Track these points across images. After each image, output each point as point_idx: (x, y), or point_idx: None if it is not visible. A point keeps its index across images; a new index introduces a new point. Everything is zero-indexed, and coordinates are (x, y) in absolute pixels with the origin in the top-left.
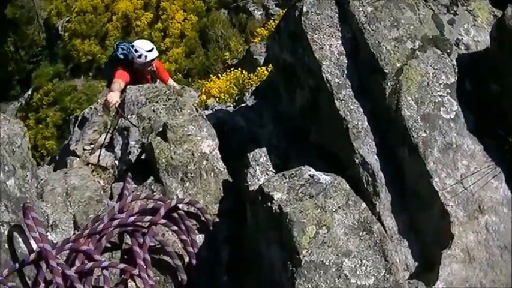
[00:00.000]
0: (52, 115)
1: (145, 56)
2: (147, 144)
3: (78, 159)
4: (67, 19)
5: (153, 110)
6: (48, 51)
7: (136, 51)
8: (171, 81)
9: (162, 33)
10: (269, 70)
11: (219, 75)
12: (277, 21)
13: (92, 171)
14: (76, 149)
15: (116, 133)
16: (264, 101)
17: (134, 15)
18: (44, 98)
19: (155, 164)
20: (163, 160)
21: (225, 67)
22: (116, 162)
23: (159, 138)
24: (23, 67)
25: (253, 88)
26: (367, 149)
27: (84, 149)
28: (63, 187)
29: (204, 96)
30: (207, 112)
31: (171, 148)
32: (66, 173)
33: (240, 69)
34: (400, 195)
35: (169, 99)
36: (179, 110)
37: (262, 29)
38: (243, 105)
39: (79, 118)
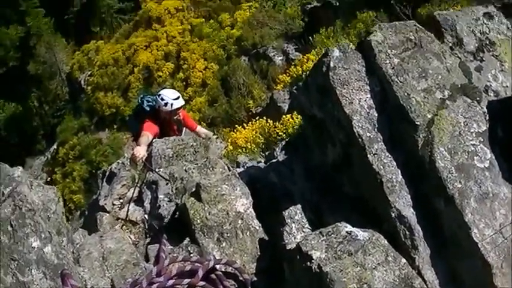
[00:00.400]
0: (78, 169)
1: (171, 104)
2: (181, 204)
3: (107, 214)
4: (89, 73)
5: (185, 170)
6: (71, 105)
7: (162, 99)
8: (199, 128)
9: (184, 83)
10: (294, 117)
11: (244, 124)
12: (298, 67)
13: (122, 226)
14: (105, 204)
15: (145, 187)
16: (295, 155)
17: (155, 66)
18: (69, 152)
19: (190, 224)
20: (199, 221)
21: (249, 115)
22: (146, 216)
23: (192, 198)
24: (48, 122)
25: (283, 143)
26: (402, 202)
27: (113, 204)
28: (99, 251)
29: (230, 147)
30: (238, 170)
31: (206, 208)
32: (101, 236)
33: (265, 117)
34: (438, 247)
35: (197, 152)
36: (211, 169)
37: (284, 75)
38: (274, 160)
39: (107, 173)
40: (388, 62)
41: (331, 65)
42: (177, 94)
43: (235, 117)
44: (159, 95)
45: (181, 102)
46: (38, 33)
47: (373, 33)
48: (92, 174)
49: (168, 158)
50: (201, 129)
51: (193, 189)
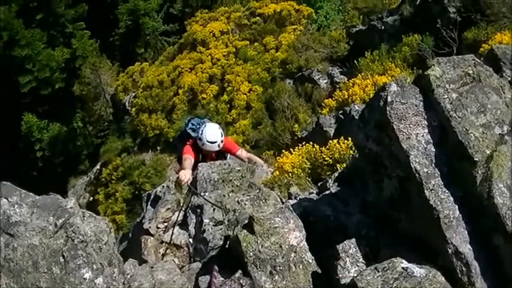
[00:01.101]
0: (121, 190)
1: (203, 144)
2: (233, 236)
3: (152, 238)
4: (134, 94)
5: (238, 202)
6: (115, 126)
7: (201, 134)
8: (240, 152)
9: (228, 105)
10: (341, 143)
11: (291, 149)
12: (343, 91)
13: (166, 250)
14: (150, 227)
15: (189, 211)
16: (349, 188)
17: (200, 88)
18: (113, 173)
19: (243, 257)
20: (251, 253)
21: (295, 139)
22: (190, 240)
23: (245, 231)
24: (91, 142)
25: (336, 174)
26: (459, 238)
27: (157, 228)
28: (150, 283)
29: (277, 172)
30: (291, 201)
31: (259, 241)
32: (152, 267)
33: (311, 142)
34: (497, 282)
35: (243, 177)
36: (264, 201)
37: (330, 99)
38: (326, 192)
39: (152, 196)
40: (446, 96)
41: (389, 99)
42: (216, 138)
43: (279, 140)
44: (203, 128)
45: (214, 148)
46: (84, 55)
47: (431, 68)
48: (135, 196)
49: (213, 182)
50: (243, 153)
51: (246, 222)
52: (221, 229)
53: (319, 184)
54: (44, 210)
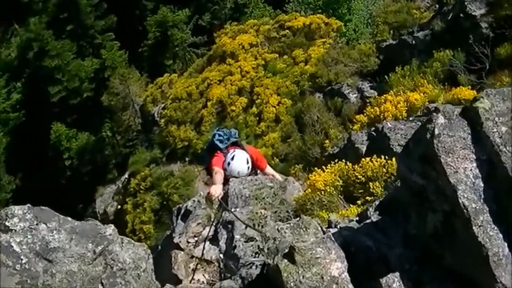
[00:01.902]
0: (149, 200)
1: (229, 173)
2: (273, 265)
3: (182, 252)
4: (162, 105)
5: (278, 230)
6: (143, 136)
7: (228, 166)
8: (268, 169)
9: (257, 118)
10: (373, 161)
11: (323, 167)
12: (375, 108)
13: (197, 265)
14: (180, 241)
15: (220, 226)
16: (391, 219)
17: (229, 100)
18: (141, 183)
19: (283, 287)
20: (292, 284)
21: (326, 156)
22: (221, 256)
23: (286, 260)
24: (119, 151)
25: (377, 203)
26: (509, 277)
27: (188, 242)
28: None
29: (309, 190)
30: (331, 230)
31: (300, 272)
32: None
33: (343, 160)
34: None
35: (274, 193)
36: (304, 229)
37: (361, 115)
38: (367, 221)
39: (182, 210)
40: (495, 130)
41: (436, 132)
42: (243, 172)
43: (308, 154)
44: (231, 162)
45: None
46: (113, 66)
47: (479, 100)
48: (163, 206)
49: (244, 198)
50: (270, 171)
51: (287, 251)
52: (252, 245)
53: (358, 211)
54: (82, 236)
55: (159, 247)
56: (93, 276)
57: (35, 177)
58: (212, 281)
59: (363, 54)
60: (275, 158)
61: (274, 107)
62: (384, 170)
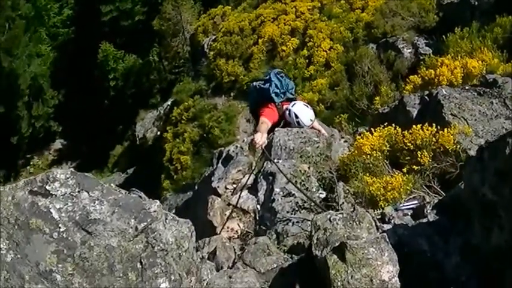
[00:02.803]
0: (190, 131)
1: (302, 126)
2: (321, 258)
3: (219, 199)
4: (213, 38)
5: (330, 220)
6: (190, 65)
7: (296, 117)
8: (316, 124)
9: (307, 60)
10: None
11: (372, 129)
12: (430, 70)
13: (232, 213)
14: (218, 187)
15: (261, 176)
16: (450, 223)
17: (280, 40)
18: (183, 113)
19: (329, 283)
20: (339, 283)
21: (376, 114)
22: (258, 207)
23: (335, 257)
24: (165, 77)
25: (435, 201)
26: None
27: (226, 188)
28: None
29: (355, 152)
30: (385, 226)
31: (349, 271)
32: (230, 277)
33: (393, 124)
34: None
35: (319, 148)
36: (357, 222)
37: (415, 76)
38: (423, 220)
39: (223, 154)
40: None
41: None
42: (311, 116)
43: (355, 104)
44: (296, 116)
45: (311, 122)
46: None
47: None
48: (202, 138)
49: (288, 150)
50: (317, 125)
51: (337, 244)
52: (291, 201)
53: (414, 206)
54: (125, 210)
55: (196, 187)
56: (133, 254)
57: (78, 94)
58: (246, 231)
59: (422, 9)
60: (321, 104)
61: (326, 51)
62: (434, 139)
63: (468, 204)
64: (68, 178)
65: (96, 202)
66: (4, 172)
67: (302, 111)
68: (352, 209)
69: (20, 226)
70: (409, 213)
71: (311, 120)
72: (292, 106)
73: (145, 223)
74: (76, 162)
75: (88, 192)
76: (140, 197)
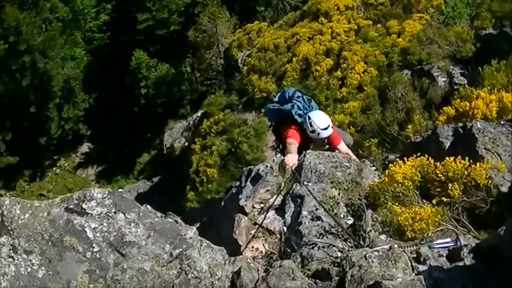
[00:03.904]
0: (218, 144)
1: (319, 133)
2: None
3: (246, 218)
4: (248, 53)
5: (365, 257)
6: (223, 78)
7: (310, 124)
8: (342, 146)
9: (340, 82)
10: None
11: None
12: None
13: (258, 233)
14: (245, 205)
15: (289, 198)
16: (487, 268)
17: (315, 59)
18: (213, 126)
19: None
20: None
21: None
22: (285, 228)
23: None
24: (196, 88)
25: (473, 245)
26: None
27: (253, 207)
28: None
29: (386, 179)
30: (420, 267)
31: None
32: None
33: (426, 155)
34: None
35: (349, 174)
36: (393, 262)
37: (449, 108)
38: (460, 264)
39: (252, 173)
40: None
41: None
42: (327, 123)
43: (386, 130)
44: (309, 118)
45: (329, 131)
46: (204, 3)
47: None
48: (230, 152)
49: (319, 174)
50: (344, 148)
51: (371, 283)
52: (318, 225)
53: (449, 245)
54: (161, 235)
55: (223, 203)
56: (166, 280)
57: (109, 100)
58: (271, 252)
59: (459, 38)
60: (351, 127)
61: (359, 74)
62: (466, 172)
63: (507, 253)
64: (104, 198)
65: (132, 224)
66: (30, 171)
67: (317, 115)
68: (388, 248)
69: (53, 243)
70: (445, 254)
71: (326, 125)
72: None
73: (180, 249)
74: (102, 166)
75: (124, 214)
76: (176, 221)
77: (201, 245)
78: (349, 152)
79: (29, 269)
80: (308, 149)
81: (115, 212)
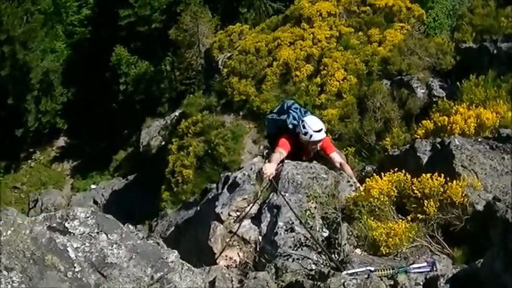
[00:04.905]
0: (195, 145)
1: (311, 136)
2: None
3: (221, 226)
4: (228, 55)
5: (344, 285)
6: (203, 79)
7: (303, 127)
8: (334, 155)
9: (319, 88)
10: (434, 179)
11: (382, 174)
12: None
13: (233, 241)
14: (221, 213)
15: (266, 208)
16: None
17: (295, 64)
18: (191, 126)
19: None
20: None
21: (386, 157)
22: (260, 238)
23: None
24: (175, 87)
25: (450, 275)
26: None
27: (229, 215)
28: None
29: (363, 193)
30: None
31: None
32: None
33: (403, 171)
34: None
35: (326, 188)
36: None
37: (428, 121)
38: None
39: (230, 180)
40: None
41: None
42: (320, 126)
43: (364, 139)
44: (302, 121)
45: (322, 135)
46: (187, 2)
47: None
48: (207, 154)
49: (296, 184)
50: (337, 157)
51: None
52: (293, 237)
53: (425, 271)
54: (143, 258)
55: (199, 207)
56: None
57: (87, 95)
58: (245, 261)
59: (439, 50)
60: (329, 134)
61: (339, 81)
62: (442, 189)
63: (485, 285)
64: (88, 217)
65: (114, 246)
66: (5, 163)
67: (311, 118)
68: (366, 276)
69: (35, 261)
70: (421, 283)
71: (319, 128)
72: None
73: (161, 273)
74: (78, 161)
75: (107, 235)
76: (158, 243)
77: (182, 269)
78: (344, 164)
79: (9, 286)
80: (301, 159)
81: (97, 233)
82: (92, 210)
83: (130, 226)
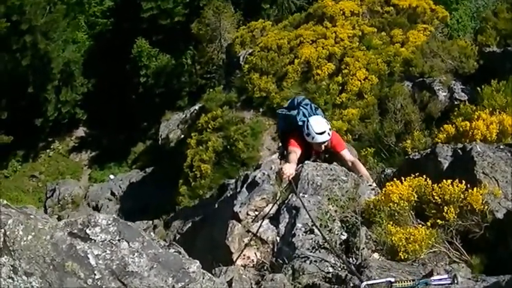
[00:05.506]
0: (214, 140)
1: (313, 137)
2: None
3: (239, 225)
4: (250, 51)
5: None
6: (223, 74)
7: (307, 128)
8: (345, 152)
9: (340, 87)
10: (454, 185)
11: (402, 178)
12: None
13: (251, 241)
14: (240, 212)
15: (284, 208)
16: None
17: (316, 63)
18: (210, 121)
19: None
20: None
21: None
22: (278, 239)
23: None
24: (196, 81)
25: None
26: None
27: (247, 214)
28: None
29: (382, 197)
30: None
31: None
32: None
33: (424, 176)
34: None
35: (347, 192)
36: None
37: (450, 126)
38: None
39: (249, 179)
40: None
41: None
42: (324, 128)
43: (383, 140)
44: (307, 121)
45: (325, 137)
46: None
47: None
48: (225, 150)
49: (315, 186)
50: (347, 155)
51: None
52: (312, 239)
53: (446, 283)
54: (164, 267)
55: (216, 205)
56: None
57: (107, 86)
58: (262, 261)
59: (463, 53)
60: (349, 134)
61: (360, 81)
62: (462, 196)
63: None
64: (109, 224)
65: (136, 254)
66: (24, 152)
67: (316, 119)
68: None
69: (55, 267)
70: None
71: (321, 130)
72: (307, 122)
73: (183, 283)
74: (96, 152)
75: (128, 243)
76: (179, 252)
77: (204, 279)
78: (356, 161)
79: None
80: (310, 158)
81: (119, 240)
82: (114, 217)
83: (152, 233)
